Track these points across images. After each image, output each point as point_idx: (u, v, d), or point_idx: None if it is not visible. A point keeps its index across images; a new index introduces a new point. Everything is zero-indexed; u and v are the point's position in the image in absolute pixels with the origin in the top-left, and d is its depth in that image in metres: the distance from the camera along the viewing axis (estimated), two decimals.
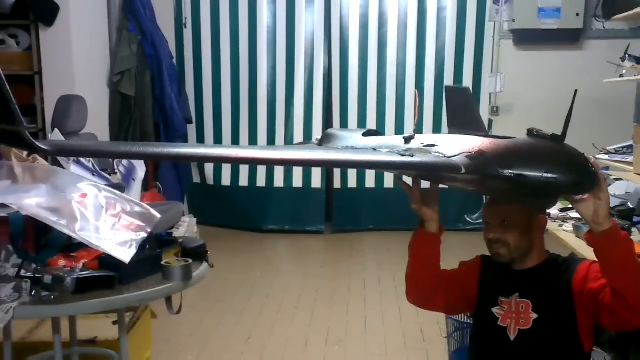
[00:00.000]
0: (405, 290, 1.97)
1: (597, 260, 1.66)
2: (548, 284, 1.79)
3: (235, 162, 1.73)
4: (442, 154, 1.65)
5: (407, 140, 1.85)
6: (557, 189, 1.55)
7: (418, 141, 1.83)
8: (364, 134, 2.08)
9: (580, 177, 1.53)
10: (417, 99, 2.59)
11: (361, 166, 1.78)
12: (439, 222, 1.89)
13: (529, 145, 1.60)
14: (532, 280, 1.82)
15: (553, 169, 1.51)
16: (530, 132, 1.62)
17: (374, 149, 1.78)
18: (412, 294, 1.97)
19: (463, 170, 1.55)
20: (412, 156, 1.62)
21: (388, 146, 1.80)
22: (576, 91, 1.62)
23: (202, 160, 1.62)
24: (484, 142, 1.65)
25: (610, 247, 1.57)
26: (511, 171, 1.53)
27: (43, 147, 1.45)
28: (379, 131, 2.22)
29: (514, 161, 1.54)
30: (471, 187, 1.86)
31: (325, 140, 2.17)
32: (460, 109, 2.58)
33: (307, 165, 1.76)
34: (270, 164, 1.61)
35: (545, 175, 1.51)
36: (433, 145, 1.73)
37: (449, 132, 2.53)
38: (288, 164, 1.64)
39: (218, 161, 1.76)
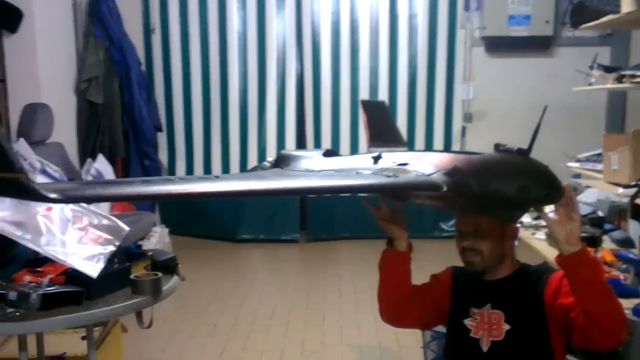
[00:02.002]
0: (378, 309, 1.96)
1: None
2: (520, 295, 1.79)
3: (221, 197, 1.67)
4: (420, 172, 1.64)
5: (376, 159, 1.83)
6: (528, 202, 1.61)
7: (387, 160, 1.81)
8: (325, 154, 2.04)
9: (549, 189, 1.57)
10: (365, 116, 2.55)
11: (350, 191, 1.71)
12: (408, 239, 1.89)
13: (498, 160, 1.62)
14: (504, 290, 1.82)
15: (523, 182, 1.55)
16: (496, 147, 1.64)
17: (357, 172, 1.74)
18: (385, 312, 1.95)
19: (444, 188, 1.54)
20: (396, 177, 1.61)
21: (360, 168, 1.78)
22: (546, 107, 1.66)
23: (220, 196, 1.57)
24: (456, 158, 1.66)
25: (581, 268, 1.60)
26: (488, 186, 1.55)
27: (50, 195, 1.25)
28: (335, 150, 2.20)
29: (489, 176, 1.56)
30: (439, 203, 1.85)
31: (283, 163, 2.10)
32: (378, 123, 2.63)
33: (290, 194, 1.70)
34: (255, 195, 1.55)
35: (516, 189, 1.55)
36: (406, 164, 1.72)
37: (370, 147, 2.56)
38: (273, 195, 1.55)
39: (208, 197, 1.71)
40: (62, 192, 1.23)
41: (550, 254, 2.86)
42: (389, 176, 1.61)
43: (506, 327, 1.77)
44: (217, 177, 1.60)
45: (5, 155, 1.26)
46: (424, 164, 1.67)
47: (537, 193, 1.56)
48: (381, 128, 2.59)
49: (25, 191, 1.27)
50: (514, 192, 1.55)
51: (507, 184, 1.55)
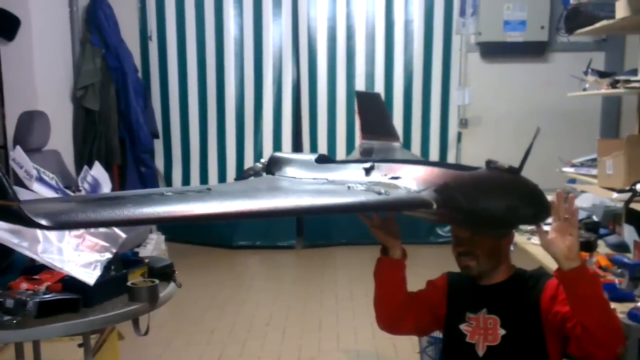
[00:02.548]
0: (375, 316, 1.96)
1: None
2: (516, 300, 1.79)
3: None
4: (410, 188, 1.64)
5: (368, 171, 1.82)
6: (516, 221, 1.64)
7: (378, 172, 1.79)
8: (317, 160, 2.01)
9: (537, 209, 1.59)
10: (358, 107, 2.53)
11: (343, 211, 1.69)
12: (401, 246, 1.88)
13: (488, 178, 1.61)
14: (500, 295, 1.82)
15: (513, 202, 1.57)
16: (488, 164, 1.64)
17: (349, 187, 1.71)
18: (382, 320, 1.95)
19: (434, 206, 1.55)
20: (387, 194, 1.60)
21: (352, 181, 1.76)
22: (538, 129, 1.66)
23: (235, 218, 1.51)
24: (446, 174, 1.65)
25: (580, 284, 1.60)
26: (477, 204, 1.56)
27: (42, 222, 1.21)
28: (330, 156, 2.12)
29: (478, 194, 1.57)
30: (430, 217, 1.82)
31: (275, 166, 2.08)
32: (372, 115, 2.59)
33: (282, 215, 1.64)
34: (249, 217, 1.49)
35: (505, 208, 1.57)
36: (398, 178, 1.71)
37: (363, 139, 2.54)
38: (260, 217, 1.54)
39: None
40: (54, 218, 1.21)
41: (546, 259, 2.86)
42: (380, 193, 1.60)
43: (502, 332, 1.78)
44: (209, 189, 1.55)
45: None
46: (416, 178, 1.67)
47: (525, 213, 1.59)
48: (374, 120, 2.54)
49: (17, 218, 1.24)
50: (503, 212, 1.57)
51: (496, 203, 1.56)
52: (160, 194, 1.46)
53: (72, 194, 3.07)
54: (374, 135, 2.49)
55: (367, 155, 2.44)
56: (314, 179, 1.90)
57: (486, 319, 1.81)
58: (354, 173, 1.85)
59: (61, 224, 1.23)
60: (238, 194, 1.58)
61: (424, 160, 1.85)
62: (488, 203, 1.56)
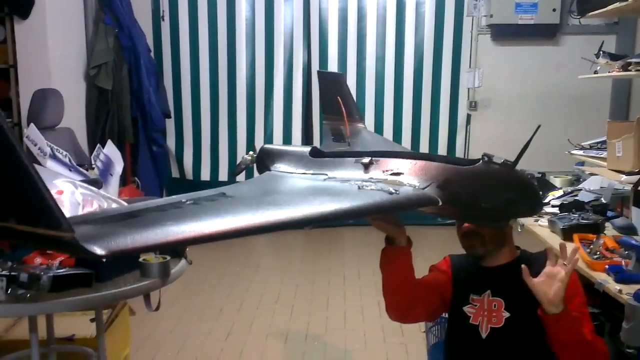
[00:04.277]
0: (385, 306, 1.93)
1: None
2: (520, 283, 1.79)
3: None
4: (414, 185, 1.63)
5: (367, 166, 1.77)
6: (515, 214, 1.69)
7: (378, 168, 1.75)
8: (311, 154, 1.90)
9: (533, 203, 1.63)
10: (342, 107, 2.38)
11: (363, 214, 1.63)
12: (405, 234, 1.84)
13: (487, 173, 1.62)
14: (504, 277, 1.84)
15: (510, 196, 1.60)
16: (483, 157, 1.64)
17: (359, 187, 1.66)
18: (392, 311, 1.93)
19: (440, 203, 1.57)
20: (398, 193, 1.58)
21: (355, 178, 1.71)
22: (539, 126, 1.73)
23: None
24: (446, 169, 1.65)
25: (560, 329, 1.66)
26: (477, 199, 1.59)
27: (98, 252, 1.09)
28: (320, 149, 1.97)
29: (479, 190, 1.59)
30: (430, 211, 1.79)
31: (268, 160, 1.96)
32: (333, 95, 2.54)
33: (307, 223, 1.56)
34: (271, 230, 1.41)
35: (504, 202, 1.60)
36: (400, 174, 1.69)
37: (325, 120, 2.50)
38: (289, 227, 1.50)
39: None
40: (110, 247, 1.11)
41: (553, 240, 2.89)
42: (391, 192, 1.58)
43: (506, 314, 1.80)
44: (223, 194, 1.51)
45: (49, 210, 1.08)
46: (417, 174, 1.66)
47: (524, 207, 1.63)
48: (335, 100, 2.48)
49: (72, 250, 1.13)
50: (502, 206, 1.60)
51: (496, 198, 1.59)
52: (178, 203, 1.41)
53: (85, 172, 3.11)
54: (336, 116, 2.43)
55: (339, 139, 2.39)
56: (313, 174, 1.83)
57: (490, 301, 1.83)
58: (352, 169, 1.79)
59: (116, 252, 1.13)
60: (256, 202, 1.51)
61: (415, 153, 1.81)
62: (488, 198, 1.58)
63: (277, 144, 2.01)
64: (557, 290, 1.63)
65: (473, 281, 1.89)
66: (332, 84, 2.62)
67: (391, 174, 1.69)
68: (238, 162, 2.00)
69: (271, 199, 1.56)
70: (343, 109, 2.31)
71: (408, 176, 1.66)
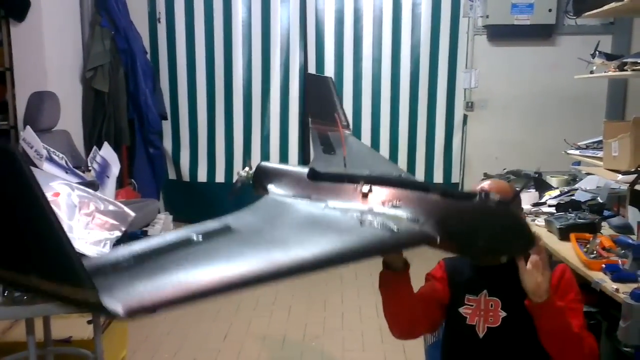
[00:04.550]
0: (387, 325, 1.92)
1: (567, 267, 1.83)
2: (517, 283, 1.78)
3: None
4: (413, 219, 1.61)
5: (366, 195, 1.72)
6: (507, 252, 1.67)
7: (376, 197, 1.71)
8: (309, 176, 1.84)
9: (527, 242, 1.63)
10: (341, 128, 2.35)
11: (368, 255, 1.60)
12: (402, 257, 1.81)
13: (484, 211, 1.61)
14: (501, 277, 1.84)
15: (507, 236, 1.61)
16: (480, 194, 1.62)
17: (361, 221, 1.62)
18: (395, 330, 1.92)
19: (438, 241, 1.56)
20: (400, 231, 1.56)
21: (354, 209, 1.68)
22: (535, 176, 1.72)
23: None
24: (445, 205, 1.63)
25: (543, 318, 1.70)
26: (473, 239, 1.59)
27: (121, 313, 1.03)
28: (318, 169, 1.89)
29: (476, 229, 1.59)
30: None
31: (265, 180, 1.91)
32: (321, 98, 2.54)
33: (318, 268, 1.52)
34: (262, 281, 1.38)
35: (498, 243, 1.61)
36: (398, 207, 1.66)
37: (312, 124, 2.48)
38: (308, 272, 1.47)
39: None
40: (130, 307, 1.05)
41: (549, 239, 2.90)
42: (393, 231, 1.56)
43: (502, 314, 1.81)
44: (229, 227, 1.50)
45: (69, 264, 1.01)
46: (415, 207, 1.64)
47: (516, 246, 1.64)
48: (323, 105, 2.48)
49: (92, 308, 1.05)
50: (496, 245, 1.62)
51: (490, 238, 1.60)
52: (189, 242, 1.37)
53: (82, 174, 3.11)
54: (323, 121, 2.42)
55: (329, 150, 2.38)
56: (311, 199, 1.78)
57: (487, 301, 1.84)
58: (351, 197, 1.75)
59: (133, 312, 1.07)
60: (264, 242, 1.47)
61: (411, 181, 1.77)
62: (484, 238, 1.59)
63: (274, 162, 1.95)
64: (540, 281, 1.66)
65: (469, 282, 1.89)
66: (321, 88, 2.61)
67: (391, 206, 1.66)
68: (234, 179, 1.94)
69: (278, 234, 1.53)
70: (341, 130, 2.30)
71: (406, 208, 1.64)
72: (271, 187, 1.84)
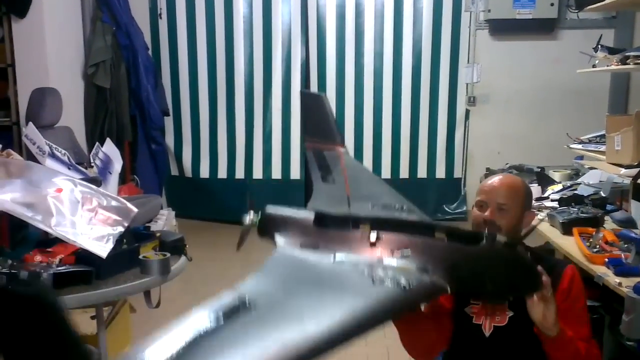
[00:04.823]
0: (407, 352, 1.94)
1: (576, 270, 1.84)
2: None
3: None
4: (422, 269, 1.61)
5: (374, 244, 1.69)
6: (516, 294, 1.67)
7: (385, 246, 1.69)
8: (315, 221, 1.81)
9: (535, 284, 1.63)
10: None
11: (384, 320, 1.60)
12: None
13: (491, 255, 1.61)
14: None
15: (515, 280, 1.61)
16: (486, 236, 1.63)
17: (373, 280, 1.59)
18: (415, 355, 1.94)
19: (449, 291, 1.57)
20: (412, 287, 1.55)
21: (361, 261, 1.65)
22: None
23: None
24: (452, 251, 1.63)
25: (556, 349, 1.71)
26: (482, 285, 1.60)
27: None
28: (324, 213, 1.85)
29: (484, 274, 1.59)
30: None
31: (271, 226, 1.88)
32: (316, 116, 2.55)
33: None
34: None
35: (507, 287, 1.62)
36: (406, 256, 1.65)
37: (306, 141, 2.48)
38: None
39: None
40: None
41: (553, 235, 2.90)
42: (405, 287, 1.54)
43: (509, 313, 1.80)
44: (244, 303, 1.48)
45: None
46: (423, 255, 1.63)
47: (524, 289, 1.64)
48: (317, 123, 2.51)
49: None
50: (505, 288, 1.63)
51: (499, 283, 1.61)
52: (210, 331, 1.38)
53: (84, 170, 3.11)
54: (318, 139, 2.44)
55: (322, 165, 2.38)
56: (321, 252, 1.74)
57: None
58: (359, 246, 1.71)
59: None
60: (281, 317, 1.47)
61: (415, 222, 1.76)
62: (492, 282, 1.60)
63: (279, 207, 1.92)
64: (546, 314, 1.65)
65: None
66: (316, 106, 2.63)
67: (400, 257, 1.65)
68: (240, 231, 1.89)
69: (293, 303, 1.50)
70: (346, 183, 2.28)
71: (414, 257, 1.63)
72: (278, 239, 1.81)
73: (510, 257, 1.60)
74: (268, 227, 1.84)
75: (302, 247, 1.73)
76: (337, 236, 1.74)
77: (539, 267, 1.63)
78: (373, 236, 1.68)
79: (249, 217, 1.89)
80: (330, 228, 1.78)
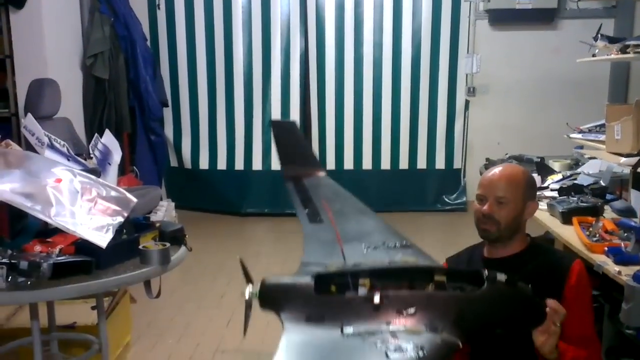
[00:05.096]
0: None
1: (583, 265, 1.83)
2: (529, 274, 1.79)
3: None
4: (432, 328, 1.59)
5: (378, 307, 1.64)
6: (521, 328, 1.67)
7: (390, 308, 1.64)
8: (317, 289, 1.74)
9: (539, 318, 1.64)
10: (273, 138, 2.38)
11: None
12: None
13: (494, 295, 1.62)
14: (513, 269, 1.81)
15: (519, 317, 1.63)
16: (487, 277, 1.63)
17: (386, 355, 1.54)
18: None
19: (461, 345, 1.56)
20: (425, 354, 1.53)
21: (370, 331, 1.61)
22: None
23: None
24: (456, 301, 1.63)
25: None
26: (489, 327, 1.62)
27: None
28: (323, 274, 1.80)
29: (489, 318, 1.60)
30: None
31: (273, 300, 1.76)
32: (290, 143, 2.56)
33: None
34: None
35: (514, 323, 1.64)
36: (413, 314, 1.62)
37: (283, 168, 2.46)
38: None
39: None
40: None
41: (553, 224, 2.90)
42: (419, 357, 1.52)
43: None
44: None
45: None
46: (429, 312, 1.61)
47: (529, 324, 1.65)
48: (292, 150, 2.53)
49: None
50: (510, 326, 1.64)
51: (504, 322, 1.63)
52: None
53: (83, 161, 3.10)
54: (295, 166, 2.45)
55: (304, 198, 2.39)
56: (328, 326, 1.67)
57: None
58: (365, 312, 1.65)
59: None
60: None
61: (417, 268, 1.76)
62: (500, 324, 1.62)
63: (278, 277, 1.85)
64: (547, 340, 1.64)
65: None
66: (288, 133, 2.65)
67: (406, 316, 1.62)
68: (245, 311, 1.82)
69: None
70: (335, 228, 2.22)
71: (421, 315, 1.61)
72: (285, 319, 1.71)
73: (513, 295, 1.62)
74: (270, 300, 1.75)
75: (309, 321, 1.68)
76: (341, 302, 1.70)
77: (547, 300, 1.63)
78: (377, 298, 1.64)
79: (248, 291, 1.78)
80: (332, 292, 1.74)
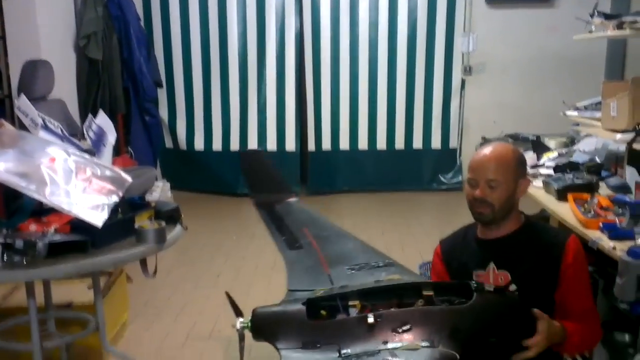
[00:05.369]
0: None
1: (579, 242, 1.86)
2: (525, 254, 1.82)
3: None
4: (427, 342, 1.60)
5: (372, 326, 1.63)
6: (512, 338, 1.67)
7: (386, 327, 1.64)
8: (309, 314, 1.72)
9: (531, 325, 1.66)
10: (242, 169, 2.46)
11: None
12: None
13: (484, 305, 1.64)
14: (508, 249, 1.85)
15: (510, 324, 1.65)
16: (476, 288, 1.66)
17: None
18: None
19: (458, 357, 1.57)
20: None
21: (366, 352, 1.60)
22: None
23: None
24: (449, 314, 1.63)
25: (564, 349, 1.80)
26: (482, 337, 1.63)
27: None
28: (313, 299, 1.77)
29: (482, 328, 1.63)
30: None
31: (265, 330, 1.73)
32: (259, 172, 2.63)
33: None
34: None
35: (506, 331, 1.65)
36: (408, 331, 1.62)
37: (253, 196, 2.51)
38: None
39: None
40: None
41: (548, 201, 2.91)
42: None
43: (513, 287, 1.78)
44: None
45: None
46: (424, 327, 1.62)
47: (520, 332, 1.66)
48: (263, 178, 2.59)
49: None
50: (502, 334, 1.65)
51: (496, 331, 1.64)
52: None
53: (78, 142, 3.09)
54: (265, 193, 2.51)
55: (279, 223, 2.42)
56: (322, 347, 1.66)
57: (497, 275, 1.84)
58: (360, 332, 1.64)
59: None
60: None
61: (403, 285, 1.77)
62: (494, 332, 1.63)
63: (268, 306, 1.82)
64: (540, 338, 1.66)
65: (473, 257, 1.89)
66: (255, 161, 2.69)
67: (402, 333, 1.62)
68: (239, 344, 1.78)
69: None
70: (320, 254, 2.25)
71: (417, 331, 1.62)
72: (281, 347, 1.69)
73: (502, 303, 1.65)
74: (263, 331, 1.73)
75: (305, 347, 1.67)
76: (335, 326, 1.69)
77: (535, 310, 1.67)
78: (371, 318, 1.64)
79: (239, 323, 1.77)
80: (324, 316, 1.73)
